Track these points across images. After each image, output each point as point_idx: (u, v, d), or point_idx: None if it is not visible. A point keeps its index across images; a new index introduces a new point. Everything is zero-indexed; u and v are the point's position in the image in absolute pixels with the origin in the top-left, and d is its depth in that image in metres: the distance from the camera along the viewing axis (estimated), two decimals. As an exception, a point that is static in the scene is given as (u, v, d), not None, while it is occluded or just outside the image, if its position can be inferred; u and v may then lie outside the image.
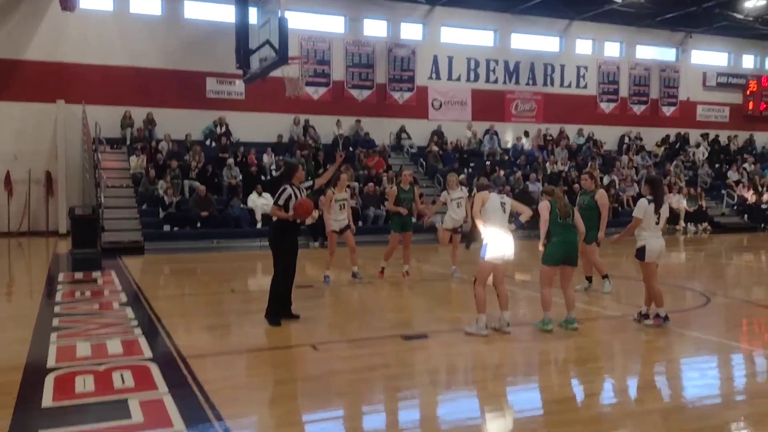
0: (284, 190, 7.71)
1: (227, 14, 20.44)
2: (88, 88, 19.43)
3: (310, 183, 8.29)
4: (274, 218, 7.76)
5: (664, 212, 7.66)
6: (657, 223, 7.54)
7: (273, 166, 19.76)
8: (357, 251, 10.92)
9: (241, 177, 18.83)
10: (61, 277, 11.41)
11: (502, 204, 7.27)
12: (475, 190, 16.69)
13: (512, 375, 6.27)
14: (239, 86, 20.99)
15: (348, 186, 11.07)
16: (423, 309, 9.59)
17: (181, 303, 9.87)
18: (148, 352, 6.47)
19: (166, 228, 16.85)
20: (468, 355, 6.72)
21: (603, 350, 7.07)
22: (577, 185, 21.14)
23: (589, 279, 10.08)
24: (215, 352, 6.80)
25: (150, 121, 20.07)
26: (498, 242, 7.10)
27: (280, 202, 7.62)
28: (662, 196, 7.73)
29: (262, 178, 19.14)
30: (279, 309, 7.74)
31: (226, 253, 16.24)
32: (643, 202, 7.58)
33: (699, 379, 6.09)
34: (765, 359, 6.73)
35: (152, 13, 20.70)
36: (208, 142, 20.52)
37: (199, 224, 17.07)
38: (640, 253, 7.52)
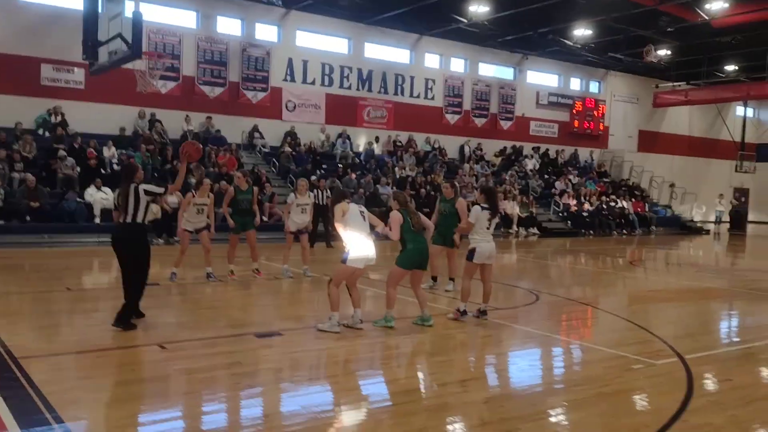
0: (136, 189, 7.38)
1: (67, -1, 19.21)
2: None
3: (161, 190, 7.86)
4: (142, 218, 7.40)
5: (495, 219, 8.37)
6: (488, 228, 8.25)
7: (115, 160, 18.73)
8: (211, 251, 10.78)
9: (79, 170, 17.65)
10: None
11: (362, 213, 7.64)
12: (326, 195, 17.03)
13: (361, 369, 6.53)
14: (78, 74, 19.68)
15: (210, 191, 10.93)
16: (274, 307, 9.64)
17: (7, 301, 9.12)
18: (-26, 355, 5.97)
19: (-10, 222, 15.42)
20: (320, 352, 6.90)
21: (445, 344, 7.55)
22: (423, 190, 22.23)
23: (434, 278, 10.70)
24: (51, 352, 6.41)
25: (-28, 107, 18.22)
26: (360, 248, 7.39)
27: (149, 199, 7.44)
28: (497, 205, 8.45)
29: (102, 171, 18.08)
30: (131, 313, 7.47)
31: (58, 249, 15.14)
32: (476, 208, 8.31)
33: (527, 369, 6.72)
34: (581, 351, 7.55)
35: (-22, -9, 18.84)
36: (41, 132, 19.01)
37: (28, 218, 15.77)
38: (470, 254, 8.23)
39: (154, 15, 20.68)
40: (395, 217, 7.78)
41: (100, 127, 19.81)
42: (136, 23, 10.80)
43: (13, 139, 17.95)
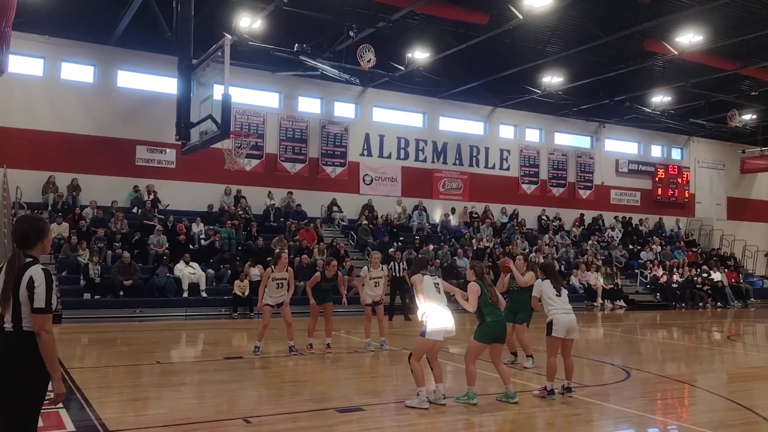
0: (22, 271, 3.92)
1: (160, 84, 20.70)
2: (11, 152, 18.84)
3: (42, 304, 3.86)
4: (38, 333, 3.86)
5: (564, 290, 8.16)
6: (558, 296, 7.99)
7: (202, 236, 19.56)
8: (293, 325, 10.92)
9: (168, 245, 18.49)
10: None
11: (436, 285, 7.63)
12: (402, 267, 17.10)
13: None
14: (170, 155, 20.93)
15: (290, 265, 11.20)
16: (355, 381, 9.56)
17: (101, 374, 9.46)
18: (70, 425, 6.20)
19: (87, 296, 16.23)
20: (401, 428, 6.75)
21: (531, 423, 7.24)
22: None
23: (515, 354, 10.41)
24: (141, 425, 6.56)
25: (74, 187, 19.56)
26: (438, 320, 7.33)
27: (53, 301, 3.97)
28: (557, 279, 8.23)
29: (191, 247, 18.87)
30: None
31: (149, 322, 15.72)
32: (537, 282, 8.27)
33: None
34: None
35: (84, 80, 20.54)
36: (135, 210, 20.14)
37: (122, 293, 16.52)
38: (549, 327, 7.97)
39: (240, 97, 21.92)
40: (473, 288, 7.62)
41: (189, 204, 20.84)
42: (225, 105, 11.45)
43: (109, 217, 19.07)
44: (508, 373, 7.91)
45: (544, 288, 8.08)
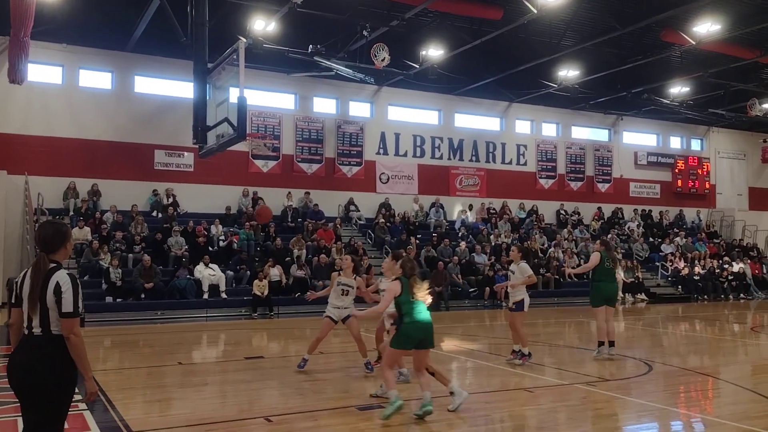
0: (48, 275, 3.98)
1: (177, 89, 20.86)
2: (32, 159, 19.15)
3: (69, 308, 3.98)
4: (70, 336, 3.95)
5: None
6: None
7: (221, 237, 19.72)
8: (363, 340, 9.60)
9: (187, 247, 18.66)
10: (-4, 351, 10.93)
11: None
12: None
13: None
14: (188, 158, 21.10)
15: (356, 272, 9.55)
16: (375, 379, 9.54)
17: (124, 376, 9.58)
18: (94, 427, 6.27)
19: (109, 299, 16.43)
20: (425, 424, 6.75)
21: (552, 418, 7.21)
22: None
23: (602, 344, 10.57)
24: (164, 425, 6.64)
25: (95, 193, 19.82)
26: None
27: (80, 305, 4.05)
28: (530, 261, 9.76)
29: (210, 248, 19.02)
30: None
31: (170, 324, 15.89)
32: (523, 264, 9.67)
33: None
34: (703, 425, 7.01)
35: (102, 87, 20.79)
36: (154, 213, 20.35)
37: (143, 295, 16.70)
38: (520, 305, 9.46)
39: (256, 99, 22.04)
40: (391, 287, 6.64)
41: (207, 207, 21.03)
42: (241, 108, 11.53)
43: (129, 221, 19.30)
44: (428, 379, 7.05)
45: (528, 269, 9.58)
